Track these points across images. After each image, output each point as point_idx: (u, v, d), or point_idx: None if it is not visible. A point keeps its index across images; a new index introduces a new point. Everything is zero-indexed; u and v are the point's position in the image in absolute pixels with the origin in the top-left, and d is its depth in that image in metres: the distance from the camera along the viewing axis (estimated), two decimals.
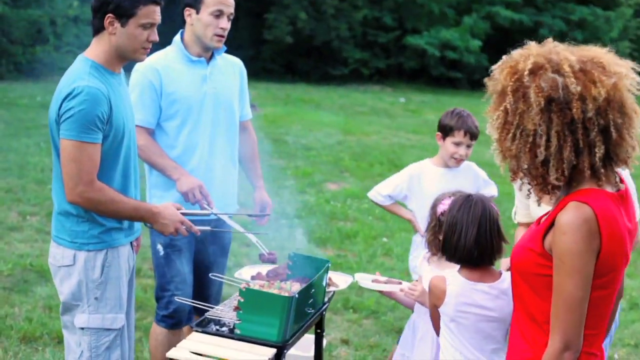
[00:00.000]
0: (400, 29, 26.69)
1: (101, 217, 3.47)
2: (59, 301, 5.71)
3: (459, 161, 4.64)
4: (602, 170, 2.37)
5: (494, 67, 2.53)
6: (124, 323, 3.60)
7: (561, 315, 2.38)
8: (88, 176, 3.36)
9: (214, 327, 3.52)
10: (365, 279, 4.05)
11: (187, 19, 4.26)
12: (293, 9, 24.32)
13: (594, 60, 2.39)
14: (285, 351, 3.40)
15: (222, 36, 4.25)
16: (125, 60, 3.53)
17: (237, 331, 3.41)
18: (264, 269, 4.12)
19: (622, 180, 2.49)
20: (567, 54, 2.40)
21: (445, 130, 4.62)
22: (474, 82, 28.36)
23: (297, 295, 3.43)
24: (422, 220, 4.54)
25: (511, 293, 3.14)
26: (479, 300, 3.18)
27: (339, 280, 4.11)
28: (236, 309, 3.53)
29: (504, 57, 2.52)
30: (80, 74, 3.37)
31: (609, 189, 2.42)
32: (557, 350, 2.38)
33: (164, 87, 4.21)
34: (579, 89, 2.33)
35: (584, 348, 2.42)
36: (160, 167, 4.22)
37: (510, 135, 2.40)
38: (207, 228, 3.85)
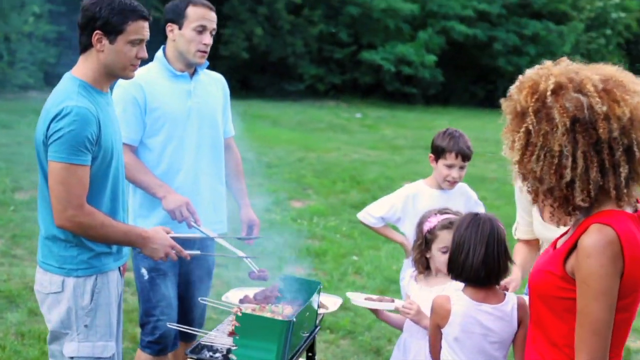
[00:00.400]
0: (355, 44, 26.80)
1: (90, 242, 3.39)
2: (31, 327, 5.67)
3: (452, 183, 4.55)
4: (625, 190, 2.37)
5: (511, 87, 2.51)
6: (114, 351, 3.52)
7: (587, 339, 2.36)
8: (78, 200, 3.28)
9: (207, 354, 3.46)
10: (358, 297, 4.02)
11: (169, 35, 4.21)
12: (249, 24, 24.26)
13: (614, 79, 2.38)
14: None
15: (205, 52, 4.19)
16: (113, 78, 3.47)
17: (233, 357, 3.36)
18: (251, 291, 4.08)
19: (638, 200, 2.49)
20: (588, 72, 2.40)
21: (438, 152, 4.54)
22: (429, 97, 28.63)
23: (295, 319, 3.39)
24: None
25: (515, 315, 3.15)
26: (483, 320, 3.18)
27: (328, 302, 4.08)
28: (231, 334, 3.48)
29: (520, 77, 2.50)
30: (68, 93, 3.30)
31: (628, 209, 2.43)
32: None
33: (148, 102, 4.14)
34: (604, 108, 2.32)
35: None
36: (145, 185, 4.13)
37: (535, 156, 2.38)
38: (197, 252, 3.77)
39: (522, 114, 2.42)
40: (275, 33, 25.00)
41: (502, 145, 2.52)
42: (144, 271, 4.18)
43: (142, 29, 3.38)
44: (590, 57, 35.14)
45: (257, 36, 24.25)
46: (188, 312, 4.45)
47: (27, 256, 7.46)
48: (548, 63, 2.50)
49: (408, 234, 4.60)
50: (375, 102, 26.82)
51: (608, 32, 31.63)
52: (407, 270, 4.57)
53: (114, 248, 3.50)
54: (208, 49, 4.20)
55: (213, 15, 4.20)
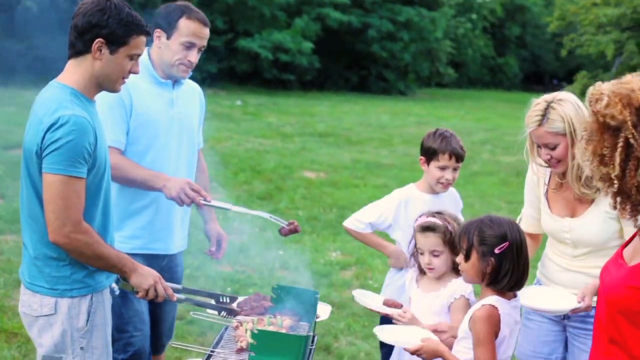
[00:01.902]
0: (232, 32, 26.54)
1: None
2: None
3: (446, 186, 4.32)
4: None
5: (592, 104, 2.45)
6: None
7: None
8: (76, 215, 3.06)
9: None
10: (364, 297, 3.89)
11: (156, 40, 3.94)
12: None
13: None
14: None
15: (189, 68, 3.95)
16: (101, 89, 3.24)
17: None
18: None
19: None
20: None
21: (429, 154, 4.29)
22: (306, 83, 28.75)
23: (312, 333, 3.28)
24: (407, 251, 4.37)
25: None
26: (514, 315, 3.20)
27: (319, 310, 3.97)
28: (240, 350, 3.34)
29: (596, 92, 2.45)
30: (62, 102, 3.06)
31: None
32: None
33: (135, 107, 3.88)
34: None
35: None
36: (140, 180, 3.84)
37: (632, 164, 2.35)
38: (182, 297, 3.56)
39: (615, 128, 2.38)
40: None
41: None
42: (114, 286, 3.93)
43: (142, 45, 3.23)
44: (458, 41, 36.33)
45: None
46: (157, 325, 4.25)
47: None
48: (628, 77, 2.46)
49: (400, 241, 4.41)
50: (253, 89, 26.69)
51: (474, 16, 32.73)
52: (391, 285, 4.48)
53: None
54: (193, 66, 3.96)
55: (206, 32, 3.95)
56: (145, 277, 3.33)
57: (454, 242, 3.63)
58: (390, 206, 4.40)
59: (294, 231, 3.86)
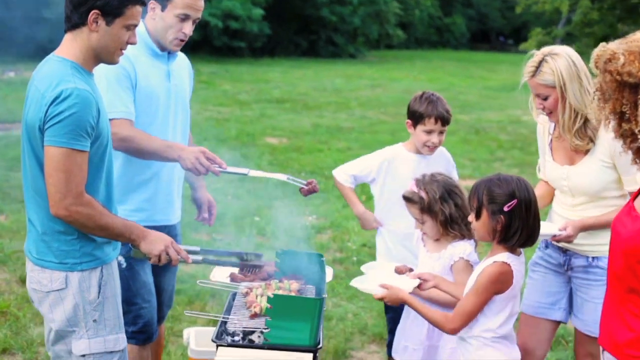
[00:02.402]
0: None
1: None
2: None
3: (432, 149, 4.36)
4: None
5: (606, 64, 2.51)
6: (126, 343, 3.31)
7: None
8: (77, 188, 3.03)
9: (228, 339, 3.32)
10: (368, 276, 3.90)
11: (150, 12, 3.87)
12: None
13: None
14: (318, 354, 3.28)
15: (183, 40, 3.89)
16: (99, 62, 3.20)
17: (267, 340, 3.24)
18: (234, 269, 3.96)
19: None
20: None
21: (415, 118, 4.32)
22: (256, 50, 28.56)
23: (325, 296, 3.32)
24: (387, 206, 4.44)
25: None
26: (523, 272, 3.27)
27: None
28: (254, 315, 3.37)
29: (607, 52, 2.51)
30: (63, 75, 3.02)
31: None
32: None
33: (138, 79, 3.81)
34: None
35: None
36: (153, 151, 3.76)
37: None
38: (199, 258, 3.56)
39: (633, 85, 2.44)
40: None
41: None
42: (120, 259, 3.91)
43: (138, 15, 3.18)
44: (405, 2, 36.38)
45: None
46: (158, 295, 4.23)
47: None
48: (635, 35, 2.53)
49: (377, 197, 4.51)
50: (204, 58, 26.44)
51: None
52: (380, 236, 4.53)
53: None
54: (187, 38, 3.90)
55: (200, 4, 3.88)
56: (156, 242, 3.32)
57: (430, 209, 3.73)
58: (376, 162, 4.46)
59: (313, 191, 3.86)
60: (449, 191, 3.74)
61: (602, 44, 2.59)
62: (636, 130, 2.46)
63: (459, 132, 14.52)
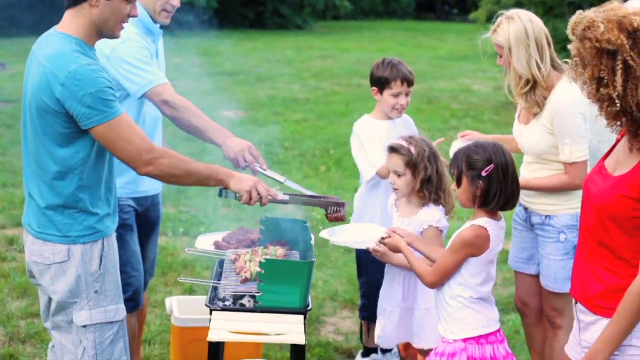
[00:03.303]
0: None
1: (93, 206, 3.24)
2: None
3: (400, 111, 4.54)
4: None
5: (585, 31, 2.66)
6: (125, 313, 3.42)
7: None
8: (143, 143, 3.18)
9: (220, 304, 3.45)
10: (338, 233, 4.07)
11: None
12: None
13: None
14: (307, 316, 3.43)
15: (170, 13, 3.96)
16: (101, 36, 3.27)
17: (258, 303, 3.38)
18: (217, 236, 4.08)
19: None
20: None
21: (381, 83, 4.49)
22: (203, 23, 28.31)
23: (315, 259, 3.46)
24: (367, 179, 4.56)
25: None
26: (502, 236, 3.42)
27: None
28: (245, 280, 3.50)
29: (586, 20, 2.66)
30: (71, 55, 3.10)
31: None
32: None
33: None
34: None
35: None
36: (200, 128, 3.84)
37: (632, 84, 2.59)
38: (287, 197, 3.62)
39: (612, 52, 2.61)
40: None
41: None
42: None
43: None
44: None
45: None
46: (144, 262, 4.34)
47: None
48: (611, 5, 2.70)
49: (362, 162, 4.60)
50: None
51: None
52: (365, 195, 4.67)
53: (112, 208, 3.36)
54: (174, 11, 3.96)
55: None
56: (244, 180, 3.45)
57: (415, 165, 3.88)
58: (368, 141, 4.54)
59: (340, 219, 3.84)
60: (434, 154, 3.91)
61: (579, 12, 2.75)
62: (614, 95, 2.62)
63: (411, 101, 14.72)
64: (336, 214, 3.80)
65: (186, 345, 4.40)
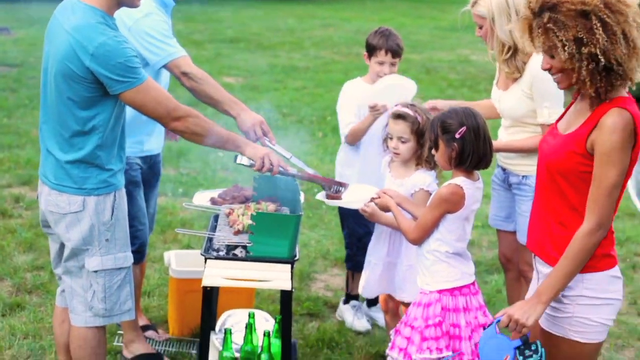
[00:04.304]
0: None
1: (108, 163, 3.50)
2: None
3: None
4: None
5: None
6: (132, 260, 3.69)
7: (600, 200, 2.89)
8: (169, 102, 3.47)
9: (214, 254, 3.72)
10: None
11: None
12: None
13: None
14: (294, 265, 3.70)
15: None
16: (120, 5, 3.52)
17: (250, 253, 3.65)
18: (213, 193, 4.33)
19: None
20: None
21: (369, 50, 4.81)
22: None
23: (302, 213, 3.72)
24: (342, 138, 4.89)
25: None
26: (478, 196, 3.67)
27: None
28: (237, 232, 3.76)
29: None
30: (97, 27, 3.35)
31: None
32: (593, 228, 2.91)
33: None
34: None
35: (612, 229, 3.01)
36: (217, 100, 4.06)
37: (618, 43, 2.82)
38: (293, 171, 3.89)
39: (587, 12, 2.83)
40: None
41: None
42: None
43: None
44: None
45: None
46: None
47: None
48: None
49: (339, 122, 4.93)
50: None
51: None
52: (347, 153, 4.95)
53: (123, 164, 3.62)
54: None
55: None
56: (259, 148, 3.75)
57: (420, 132, 4.09)
58: (349, 104, 4.90)
59: (335, 198, 4.10)
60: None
61: None
62: (597, 51, 2.83)
63: (410, 70, 14.85)
64: (337, 194, 4.08)
65: (183, 296, 4.68)
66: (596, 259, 2.98)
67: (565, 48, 2.86)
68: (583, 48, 2.85)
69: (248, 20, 21.87)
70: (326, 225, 6.89)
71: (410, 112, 4.13)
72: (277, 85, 12.85)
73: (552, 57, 2.96)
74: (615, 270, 3.06)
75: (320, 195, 4.21)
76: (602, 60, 2.83)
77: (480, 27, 4.24)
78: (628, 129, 2.86)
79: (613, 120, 2.86)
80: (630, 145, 2.88)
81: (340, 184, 4.08)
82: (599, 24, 2.82)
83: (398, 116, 4.16)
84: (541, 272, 3.17)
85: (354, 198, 4.16)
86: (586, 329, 3.02)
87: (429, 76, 14.25)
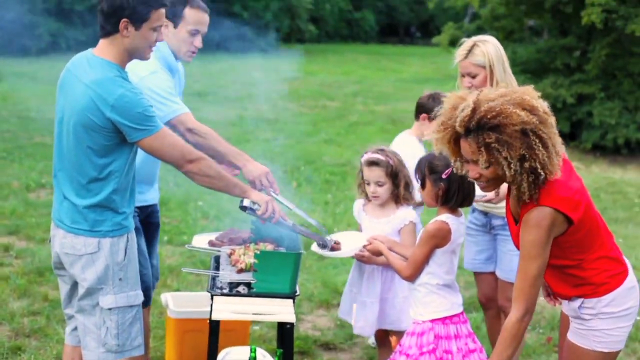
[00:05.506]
0: None
1: (122, 207, 3.74)
2: None
3: None
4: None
5: (492, 117, 3.05)
6: (143, 297, 3.91)
7: (526, 290, 3.21)
8: (184, 148, 3.74)
9: (219, 291, 3.95)
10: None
11: (164, 30, 4.17)
12: None
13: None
14: (295, 300, 3.95)
15: (194, 53, 4.41)
16: (132, 59, 3.77)
17: (253, 289, 3.89)
18: (211, 236, 4.55)
19: None
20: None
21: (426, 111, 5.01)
22: None
23: (303, 251, 3.99)
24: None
25: None
26: (462, 231, 3.98)
27: None
28: (240, 271, 4.00)
29: (492, 107, 3.06)
30: (115, 80, 3.58)
31: None
32: (522, 315, 3.21)
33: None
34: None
35: (612, 252, 3.34)
36: (223, 152, 4.27)
37: (552, 152, 3.09)
38: (291, 223, 4.10)
39: (525, 130, 3.06)
40: None
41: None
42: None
43: (162, 16, 3.73)
44: None
45: None
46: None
47: None
48: (499, 91, 3.18)
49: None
50: None
51: None
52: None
53: (132, 208, 3.85)
54: (197, 51, 4.43)
55: (207, 19, 4.40)
56: (262, 194, 4.02)
57: (394, 173, 4.37)
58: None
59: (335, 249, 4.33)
60: (401, 161, 4.43)
61: (467, 104, 3.13)
62: (537, 165, 3.06)
63: (376, 122, 15.33)
64: (337, 244, 4.33)
65: (181, 336, 4.87)
66: (608, 281, 3.30)
67: (511, 166, 3.06)
68: (525, 164, 3.06)
69: (214, 74, 22.23)
70: (307, 269, 7.12)
71: (382, 157, 4.38)
72: (248, 137, 13.13)
73: (486, 168, 3.16)
74: (629, 281, 3.37)
75: (316, 248, 4.36)
76: (542, 173, 3.08)
77: (473, 77, 4.44)
78: (546, 224, 3.13)
79: (532, 217, 3.16)
80: (553, 235, 3.18)
81: (335, 243, 4.31)
82: (537, 140, 3.05)
83: (371, 163, 4.41)
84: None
85: (349, 247, 4.37)
86: (609, 339, 3.33)
87: (395, 127, 14.65)
